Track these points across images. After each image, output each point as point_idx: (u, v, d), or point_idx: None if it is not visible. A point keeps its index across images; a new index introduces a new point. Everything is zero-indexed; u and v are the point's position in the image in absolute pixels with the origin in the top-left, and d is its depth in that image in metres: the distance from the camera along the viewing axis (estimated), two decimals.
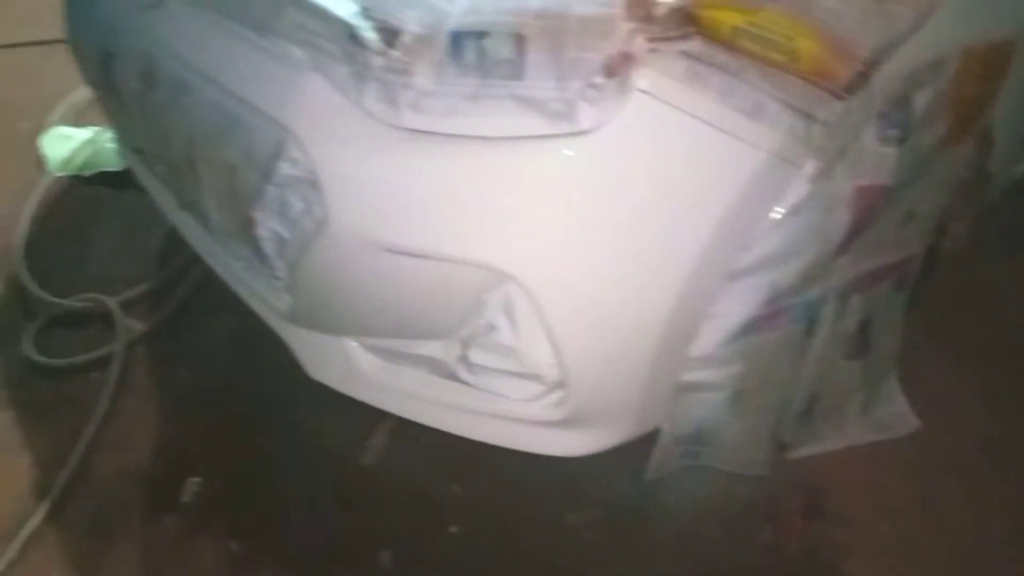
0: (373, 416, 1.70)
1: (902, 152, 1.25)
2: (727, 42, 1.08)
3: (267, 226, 1.31)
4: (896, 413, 1.60)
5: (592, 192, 1.12)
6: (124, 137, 1.69)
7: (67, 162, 2.34)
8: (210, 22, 1.29)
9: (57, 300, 2.02)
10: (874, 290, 1.44)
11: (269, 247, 1.33)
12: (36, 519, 1.64)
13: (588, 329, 1.20)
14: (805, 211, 1.21)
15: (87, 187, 2.33)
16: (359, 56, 1.14)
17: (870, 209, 1.28)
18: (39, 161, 2.38)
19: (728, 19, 1.08)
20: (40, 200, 2.28)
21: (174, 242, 2.14)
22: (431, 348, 1.33)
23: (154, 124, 1.46)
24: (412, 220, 1.18)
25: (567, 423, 1.30)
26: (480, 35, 1.09)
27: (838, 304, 1.40)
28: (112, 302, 2.00)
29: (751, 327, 1.29)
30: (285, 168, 1.24)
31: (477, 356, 1.29)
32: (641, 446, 1.43)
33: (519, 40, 1.07)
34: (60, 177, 2.34)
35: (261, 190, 1.28)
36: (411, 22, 1.12)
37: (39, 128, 2.48)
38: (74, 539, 1.63)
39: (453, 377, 1.33)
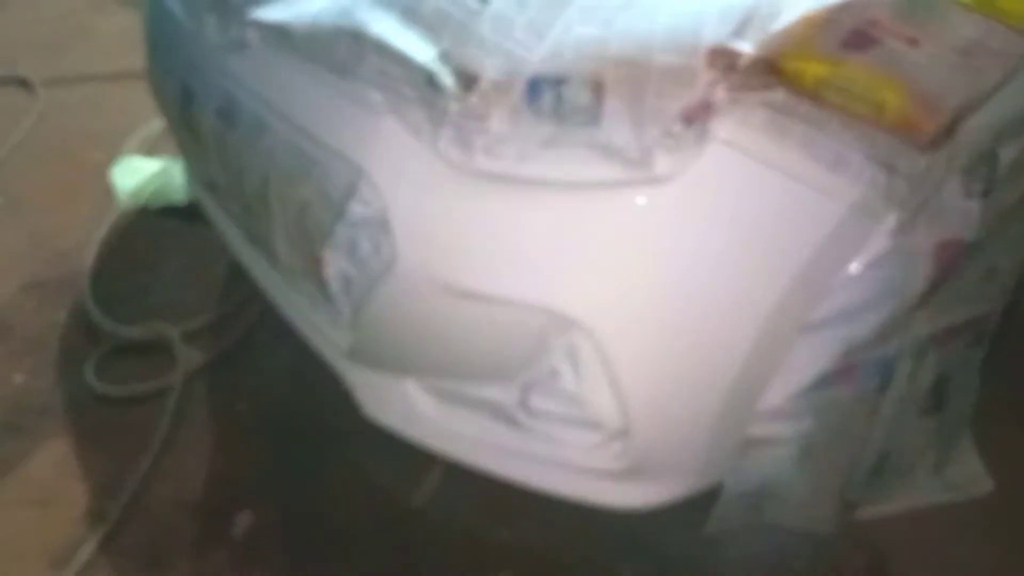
0: (425, 458, 1.70)
1: (986, 206, 1.22)
2: (810, 93, 1.06)
3: (335, 265, 1.31)
4: (969, 473, 1.55)
5: (665, 240, 1.11)
6: (196, 172, 1.72)
7: (136, 193, 2.38)
8: (291, 66, 1.31)
9: (120, 329, 2.05)
10: (951, 346, 1.40)
11: (335, 286, 1.34)
12: (90, 546, 1.65)
13: (654, 378, 1.18)
14: (884, 265, 1.18)
15: (155, 219, 2.37)
16: (436, 100, 1.14)
17: (951, 264, 1.24)
18: (110, 191, 2.43)
19: (812, 71, 1.06)
20: (109, 230, 2.32)
21: (237, 275, 2.17)
22: (491, 391, 1.32)
23: (230, 161, 1.47)
24: (481, 263, 1.17)
25: (628, 474, 1.27)
26: (558, 82, 1.08)
27: (914, 361, 1.36)
28: (173, 332, 2.02)
29: (823, 382, 1.26)
30: (357, 208, 1.24)
31: (538, 401, 1.27)
32: (701, 498, 1.40)
33: (598, 87, 1.07)
34: (129, 208, 2.38)
35: (332, 229, 1.28)
36: (489, 68, 1.12)
37: (112, 159, 2.53)
38: (127, 569, 1.64)
39: (512, 422, 1.32)
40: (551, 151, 1.10)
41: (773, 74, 1.05)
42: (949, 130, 1.11)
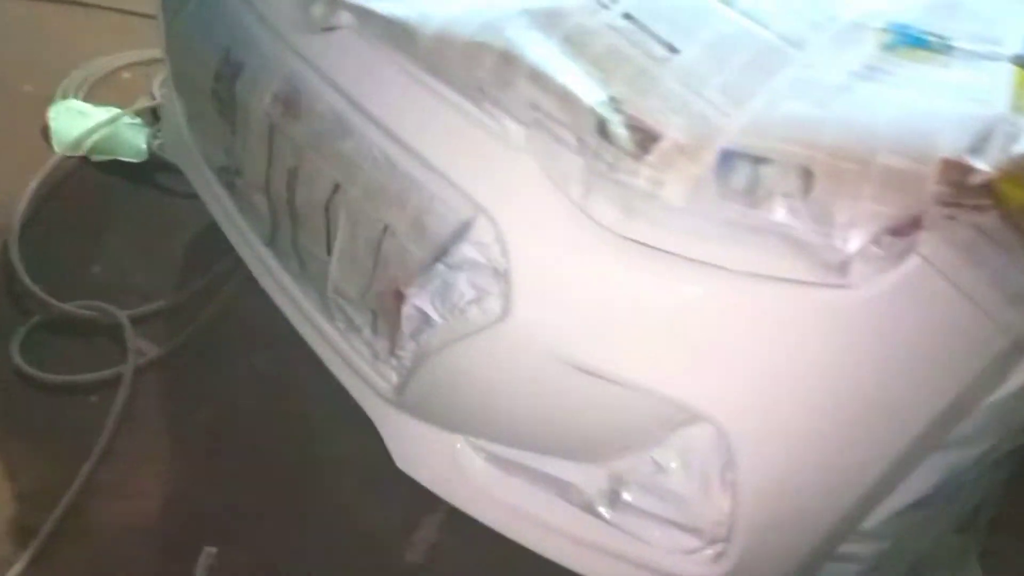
0: (422, 504, 1.54)
1: None
2: (1014, 219, 0.98)
3: (417, 304, 1.14)
4: None
5: (834, 348, 1.00)
6: (210, 153, 1.48)
7: (78, 142, 2.08)
8: (402, 71, 1.12)
9: (55, 302, 1.77)
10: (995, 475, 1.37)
11: (409, 326, 1.17)
12: (16, 569, 1.40)
13: (782, 489, 1.07)
14: (1015, 399, 1.12)
15: (98, 174, 2.07)
16: (602, 152, 0.99)
17: None
18: (44, 132, 2.11)
19: (1019, 196, 0.98)
20: (43, 179, 2.01)
21: (197, 258, 1.93)
22: (569, 471, 1.18)
23: (283, 155, 1.27)
24: (612, 340, 1.04)
25: None
26: (759, 160, 0.96)
27: (976, 481, 1.32)
28: (122, 315, 1.76)
29: (918, 504, 1.20)
30: (467, 251, 1.08)
31: (630, 495, 1.14)
32: None
33: (806, 176, 0.95)
34: (68, 157, 2.07)
35: (425, 267, 1.11)
36: (674, 127, 0.98)
37: (45, 94, 2.21)
38: None
39: (587, 508, 1.19)
40: (732, 235, 0.98)
41: (989, 196, 0.97)
42: None
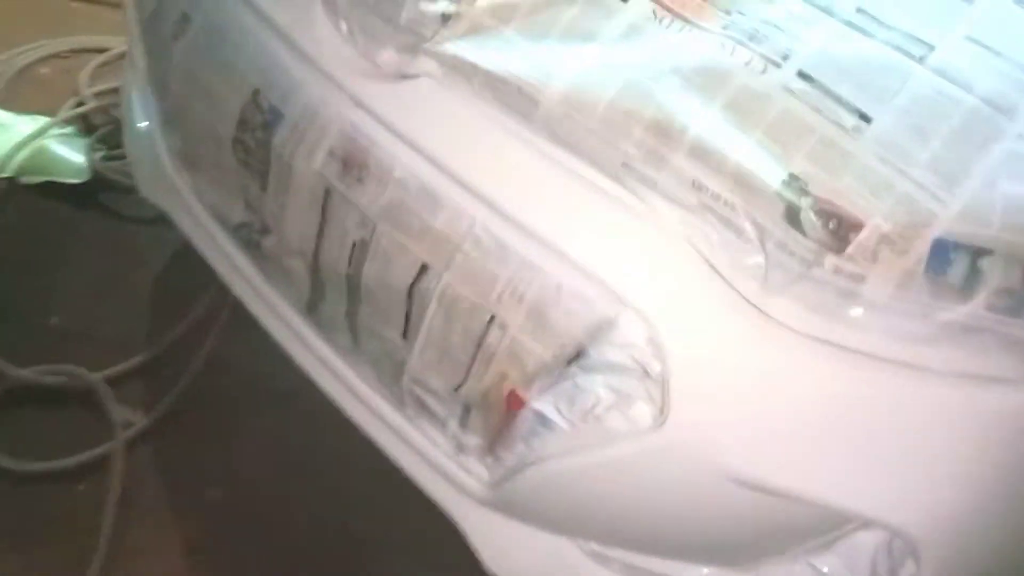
0: None
1: None
2: None
3: (538, 410, 0.97)
4: None
5: None
6: (227, 206, 1.23)
7: (3, 162, 1.77)
8: (510, 134, 0.93)
9: (14, 369, 1.50)
10: None
11: (523, 430, 1.00)
12: None
13: None
14: None
15: (34, 199, 1.77)
16: (789, 243, 0.84)
17: None
18: None
19: None
20: None
21: (168, 297, 1.68)
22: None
23: (339, 223, 1.05)
24: (797, 455, 0.90)
25: None
26: (978, 252, 0.83)
27: None
28: (96, 378, 1.51)
29: None
30: (610, 353, 0.91)
31: None
32: None
33: None
34: None
35: (551, 368, 0.94)
36: (877, 213, 0.83)
37: None
38: None
39: None
40: (942, 334, 0.84)
41: None
42: None
